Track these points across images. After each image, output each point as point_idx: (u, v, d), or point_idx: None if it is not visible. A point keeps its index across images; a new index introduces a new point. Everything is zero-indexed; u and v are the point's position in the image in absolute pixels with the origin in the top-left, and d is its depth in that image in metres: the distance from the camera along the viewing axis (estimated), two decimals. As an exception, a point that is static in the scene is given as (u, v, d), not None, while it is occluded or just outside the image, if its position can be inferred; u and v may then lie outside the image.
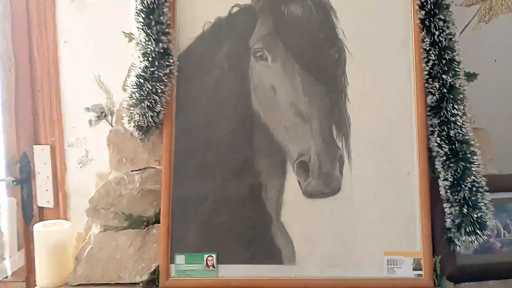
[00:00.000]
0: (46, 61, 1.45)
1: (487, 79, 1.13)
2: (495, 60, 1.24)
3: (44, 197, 1.48)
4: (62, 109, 1.44)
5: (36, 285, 0.97)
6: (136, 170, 0.99)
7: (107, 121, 1.03)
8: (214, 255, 0.95)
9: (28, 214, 1.48)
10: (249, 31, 0.98)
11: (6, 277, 1.41)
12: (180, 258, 0.95)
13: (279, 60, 0.97)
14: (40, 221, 1.51)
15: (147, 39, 0.93)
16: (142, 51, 0.93)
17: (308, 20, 0.98)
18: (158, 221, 0.96)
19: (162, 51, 0.93)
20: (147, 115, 0.92)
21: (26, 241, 1.46)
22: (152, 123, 0.94)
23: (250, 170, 0.96)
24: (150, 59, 0.92)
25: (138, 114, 0.92)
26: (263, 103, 0.97)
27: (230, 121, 0.97)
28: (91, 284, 0.94)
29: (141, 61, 0.92)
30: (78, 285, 0.95)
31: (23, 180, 1.49)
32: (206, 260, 0.95)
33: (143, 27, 0.92)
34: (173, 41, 0.95)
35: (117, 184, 0.97)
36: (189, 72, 0.97)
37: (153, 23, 0.92)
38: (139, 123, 0.93)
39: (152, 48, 0.92)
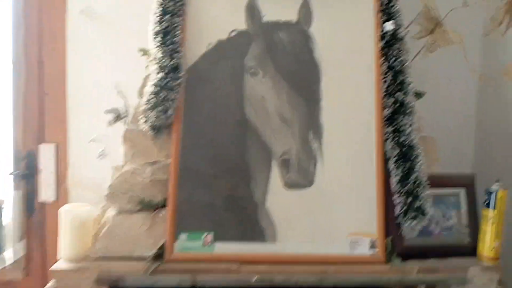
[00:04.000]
0: (55, 66, 1.62)
1: (435, 96, 1.40)
2: (441, 81, 1.52)
3: (46, 192, 1.64)
4: (67, 110, 1.61)
5: (54, 261, 1.14)
6: (147, 163, 1.19)
7: (123, 122, 1.23)
8: (211, 234, 1.15)
9: (31, 207, 1.63)
10: (245, 51, 1.20)
11: (5, 268, 1.55)
12: (183, 236, 1.14)
13: (269, 75, 1.20)
14: (40, 214, 1.66)
15: (163, 55, 1.13)
16: (159, 65, 1.13)
17: (293, 45, 1.21)
18: (165, 205, 1.15)
19: (174, 65, 1.13)
20: (161, 117, 1.13)
21: (27, 233, 1.60)
22: (164, 124, 1.14)
23: (242, 164, 1.18)
24: (165, 71, 1.12)
25: (153, 116, 1.12)
26: (255, 110, 1.19)
27: (227, 124, 1.19)
28: (108, 257, 1.12)
29: (157, 73, 1.13)
30: (97, 258, 1.13)
31: (28, 175, 1.63)
32: (205, 237, 1.15)
33: (160, 45, 1.13)
34: (183, 58, 1.16)
35: (132, 174, 1.16)
36: (195, 82, 1.18)
37: (168, 42, 1.13)
38: (154, 123, 1.13)
39: (167, 63, 1.13)
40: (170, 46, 1.12)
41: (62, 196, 1.62)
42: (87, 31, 1.54)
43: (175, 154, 1.15)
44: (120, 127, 1.22)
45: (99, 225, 1.17)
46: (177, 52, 1.14)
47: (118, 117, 1.20)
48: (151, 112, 1.12)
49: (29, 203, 1.62)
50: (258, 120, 1.19)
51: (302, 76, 1.21)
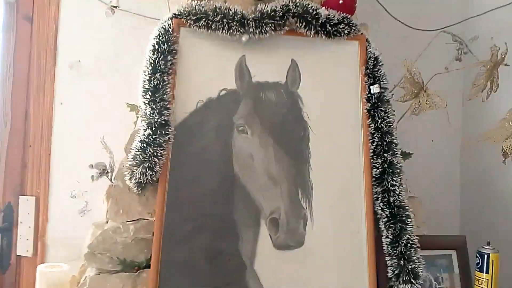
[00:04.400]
0: (40, 119, 1.61)
1: (420, 157, 1.42)
2: (431, 141, 1.55)
3: (23, 246, 1.57)
4: (50, 164, 1.58)
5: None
6: (130, 221, 1.15)
7: (107, 177, 1.20)
8: (196, 297, 1.10)
9: (6, 262, 1.56)
10: (234, 110, 1.21)
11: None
12: (165, 300, 1.09)
13: (257, 134, 1.20)
14: (16, 269, 1.59)
15: (151, 112, 1.13)
16: (147, 122, 1.13)
17: (280, 104, 1.23)
18: (148, 266, 1.10)
19: (163, 122, 1.13)
20: (147, 174, 1.10)
21: (0, 288, 1.53)
22: (150, 181, 1.12)
23: (230, 222, 1.15)
24: (153, 128, 1.11)
25: (139, 173, 1.10)
26: (242, 167, 1.18)
27: (214, 181, 1.17)
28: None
29: (145, 129, 1.12)
30: (72, 323, 1.05)
31: (5, 229, 1.58)
32: (189, 301, 1.09)
33: (149, 102, 1.13)
34: (172, 114, 1.16)
35: (114, 232, 1.12)
36: (183, 139, 1.17)
37: (157, 99, 1.13)
38: (140, 180, 1.11)
39: (156, 120, 1.12)
40: (160, 103, 1.12)
41: (40, 251, 1.56)
42: (75, 85, 1.54)
43: (159, 212, 1.12)
44: (104, 183, 1.19)
45: (77, 286, 1.10)
46: (166, 109, 1.14)
47: (102, 172, 1.18)
48: (137, 168, 1.10)
49: (5, 259, 1.56)
50: (246, 178, 1.17)
51: (290, 135, 1.22)
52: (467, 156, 1.62)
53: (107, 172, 1.18)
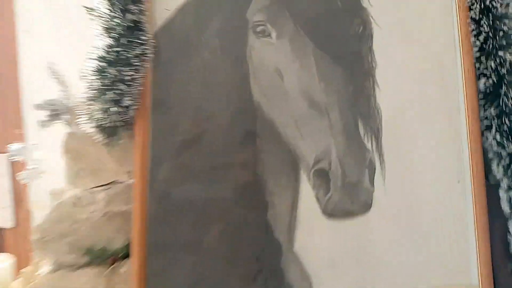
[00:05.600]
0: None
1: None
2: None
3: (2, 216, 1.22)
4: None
5: None
6: (100, 186, 0.74)
7: (64, 121, 0.78)
8: (206, 298, 0.70)
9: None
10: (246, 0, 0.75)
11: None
12: (159, 303, 0.70)
13: (287, 36, 0.74)
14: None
15: (110, 8, 0.69)
16: (106, 26, 0.69)
17: (323, -16, 0.75)
18: (128, 255, 0.71)
19: (131, 24, 0.69)
20: (111, 112, 0.68)
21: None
22: (119, 122, 0.70)
23: (251, 182, 0.72)
24: (115, 35, 0.68)
25: (99, 110, 0.68)
26: (267, 92, 0.74)
27: (223, 117, 0.73)
28: None
29: (102, 39, 0.68)
30: None
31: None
32: (196, 304, 0.70)
33: (107, -7, 0.69)
34: (147, 13, 0.71)
35: (74, 206, 0.72)
36: (169, 53, 0.74)
37: (118, -12, 0.68)
38: (102, 122, 0.69)
39: (118, 21, 0.68)
40: (124, -7, 0.68)
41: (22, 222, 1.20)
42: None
43: (141, 170, 0.71)
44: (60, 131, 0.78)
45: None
46: (135, 2, 0.69)
47: (55, 115, 0.76)
48: (94, 103, 0.68)
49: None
50: (273, 108, 0.73)
51: (340, 34, 0.75)
52: None
53: (61, 114, 0.76)
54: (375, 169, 0.72)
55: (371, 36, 0.75)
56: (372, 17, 0.75)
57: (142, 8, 0.71)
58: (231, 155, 0.73)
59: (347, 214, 0.71)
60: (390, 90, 0.74)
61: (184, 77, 0.74)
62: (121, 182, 0.74)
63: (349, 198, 0.71)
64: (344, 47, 0.75)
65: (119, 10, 0.69)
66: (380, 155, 0.73)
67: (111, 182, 0.75)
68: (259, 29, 0.74)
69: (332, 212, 0.71)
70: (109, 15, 0.69)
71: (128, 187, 0.73)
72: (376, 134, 0.73)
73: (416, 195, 0.73)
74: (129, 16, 0.69)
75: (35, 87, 1.12)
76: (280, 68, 0.74)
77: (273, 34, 0.74)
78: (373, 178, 0.72)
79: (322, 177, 0.71)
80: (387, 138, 0.73)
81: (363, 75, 0.74)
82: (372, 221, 0.72)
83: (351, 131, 0.72)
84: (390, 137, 0.73)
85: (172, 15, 0.74)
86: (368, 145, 0.73)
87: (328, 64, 0.73)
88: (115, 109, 0.68)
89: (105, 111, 0.68)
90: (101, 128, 0.70)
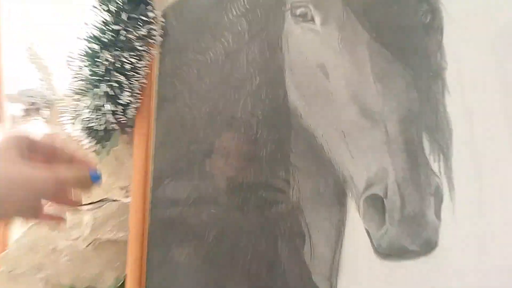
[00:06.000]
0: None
1: None
2: None
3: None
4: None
5: None
6: (86, 204, 0.58)
7: (42, 118, 0.61)
8: None
9: None
10: (284, -28, 0.58)
11: None
12: None
13: (335, 22, 0.58)
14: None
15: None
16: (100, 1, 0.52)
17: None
18: (121, 296, 0.55)
19: (133, -4, 0.52)
20: (105, 108, 0.51)
21: None
22: (114, 125, 0.53)
23: (283, 208, 0.56)
24: (113, 8, 0.51)
25: (89, 108, 0.51)
26: (306, 94, 0.57)
27: (249, 122, 0.57)
28: None
29: (97, 12, 0.51)
30: None
31: None
32: None
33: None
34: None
35: (52, 229, 0.55)
36: (182, 37, 0.57)
37: None
38: (91, 123, 0.52)
39: (117, -8, 0.51)
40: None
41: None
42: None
43: (139, 186, 0.54)
44: (38, 129, 0.61)
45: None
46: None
47: (32, 110, 0.59)
48: (83, 98, 0.51)
49: None
50: (313, 114, 0.57)
51: (402, 24, 0.59)
52: None
53: (40, 108, 0.59)
54: (442, 197, 0.56)
55: (441, 29, 0.59)
56: (442, 3, 0.59)
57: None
58: (257, 173, 0.57)
59: (406, 254, 0.55)
60: (464, 97, 0.58)
61: (199, 68, 0.58)
62: (114, 201, 0.58)
63: (408, 234, 0.55)
64: (407, 40, 0.58)
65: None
66: (450, 179, 0.57)
67: (100, 200, 0.58)
68: (299, 11, 0.58)
69: (387, 251, 0.55)
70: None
71: (122, 208, 0.57)
72: (445, 153, 0.57)
73: (492, 232, 0.57)
74: (131, -15, 0.52)
75: (16, 76, 0.94)
76: (325, 63, 0.57)
77: (317, 19, 0.58)
78: (440, 209, 0.56)
79: (375, 206, 0.55)
80: (458, 157, 0.57)
81: (430, 77, 0.58)
82: (437, 263, 0.56)
83: (413, 148, 0.56)
84: (462, 156, 0.57)
85: (186, -12, 0.58)
86: (435, 167, 0.56)
87: (387, 61, 0.57)
88: (109, 107, 0.51)
89: (97, 109, 0.51)
90: (91, 131, 0.53)
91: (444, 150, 0.57)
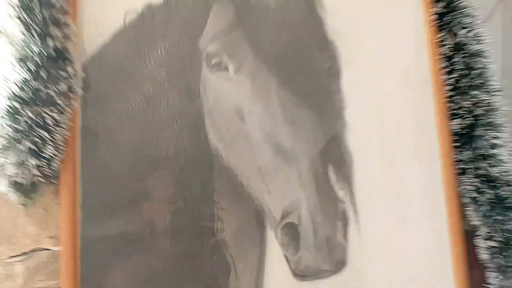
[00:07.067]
0: None
1: None
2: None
3: None
4: None
5: None
6: (16, 256, 0.58)
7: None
8: None
9: None
10: (199, 25, 0.63)
11: None
12: None
13: (246, 70, 0.64)
14: None
15: (27, 34, 0.54)
16: (18, 56, 0.54)
17: (286, 12, 0.66)
18: None
19: (54, 53, 0.55)
20: (29, 163, 0.53)
21: None
22: (39, 178, 0.55)
23: (208, 242, 0.61)
24: (31, 67, 0.53)
25: (12, 163, 0.53)
26: (226, 135, 0.63)
27: (172, 166, 0.61)
28: None
29: (17, 71, 0.53)
30: None
31: None
32: None
33: (20, 13, 0.54)
34: (74, 39, 0.57)
35: (-22, 284, 0.55)
36: (104, 88, 0.60)
37: (37, 6, 0.54)
38: (16, 178, 0.53)
39: (36, 49, 0.54)
40: (43, 13, 0.53)
41: None
42: None
43: (68, 235, 0.56)
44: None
45: None
46: (59, 25, 0.55)
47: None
48: (6, 154, 0.52)
49: None
50: (232, 154, 0.62)
51: (307, 70, 0.66)
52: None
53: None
54: (348, 221, 0.64)
55: (338, 73, 0.67)
56: (339, 50, 0.67)
57: (68, 33, 0.56)
58: (182, 212, 0.61)
59: (320, 273, 0.62)
60: (361, 133, 0.67)
61: (121, 117, 0.61)
62: (45, 250, 0.59)
63: (321, 256, 0.62)
64: (312, 84, 0.66)
65: (36, 34, 0.54)
66: (354, 205, 0.65)
67: (31, 251, 0.59)
68: (213, 60, 0.63)
69: (303, 273, 0.62)
70: (23, 40, 0.54)
71: (53, 256, 0.58)
72: (349, 182, 0.65)
73: (394, 248, 0.66)
74: (50, 42, 0.54)
75: None
76: (241, 107, 0.63)
77: (231, 68, 0.63)
78: (346, 231, 0.64)
79: (291, 233, 0.62)
80: (359, 185, 0.66)
81: (333, 117, 0.66)
82: (347, 280, 0.63)
83: (321, 179, 0.64)
84: (363, 184, 0.66)
85: (106, 42, 0.61)
86: (341, 194, 0.64)
87: (295, 104, 0.64)
88: (33, 162, 0.53)
89: (21, 164, 0.53)
90: (16, 186, 0.54)
91: (347, 179, 0.65)
